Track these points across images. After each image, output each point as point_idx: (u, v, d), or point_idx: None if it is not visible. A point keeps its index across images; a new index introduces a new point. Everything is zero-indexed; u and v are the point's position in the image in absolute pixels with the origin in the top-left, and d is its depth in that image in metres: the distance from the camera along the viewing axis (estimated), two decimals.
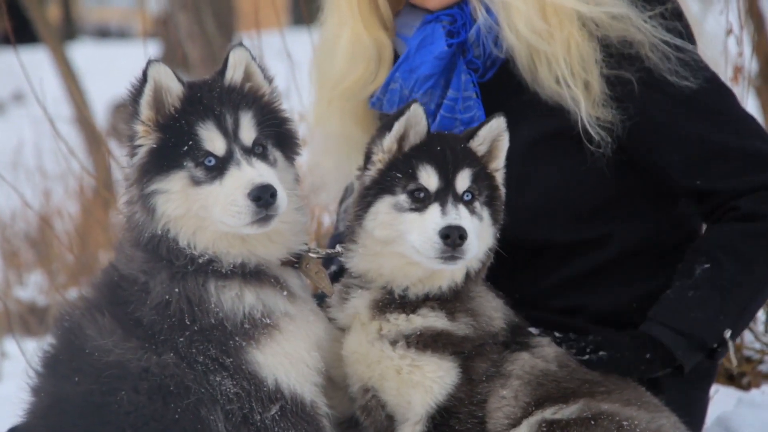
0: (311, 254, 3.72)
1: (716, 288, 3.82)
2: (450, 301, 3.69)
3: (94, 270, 7.86)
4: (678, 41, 3.92)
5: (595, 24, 3.90)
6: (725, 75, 5.41)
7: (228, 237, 3.53)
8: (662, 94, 3.90)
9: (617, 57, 3.90)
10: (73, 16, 33.14)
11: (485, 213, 3.65)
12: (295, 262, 3.68)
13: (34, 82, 5.98)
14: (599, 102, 3.88)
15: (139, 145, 3.53)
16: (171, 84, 3.52)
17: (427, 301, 3.69)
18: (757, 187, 3.87)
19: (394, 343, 3.66)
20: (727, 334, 3.80)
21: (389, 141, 3.67)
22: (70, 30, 31.06)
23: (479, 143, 3.69)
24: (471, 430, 3.64)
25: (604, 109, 3.88)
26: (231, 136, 3.49)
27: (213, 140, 3.48)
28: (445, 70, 4.05)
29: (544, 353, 3.76)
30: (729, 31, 5.41)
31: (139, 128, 3.52)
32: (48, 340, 3.65)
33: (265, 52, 6.57)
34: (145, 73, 3.50)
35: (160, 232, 3.52)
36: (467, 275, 3.69)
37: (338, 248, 3.80)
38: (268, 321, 3.53)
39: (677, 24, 3.98)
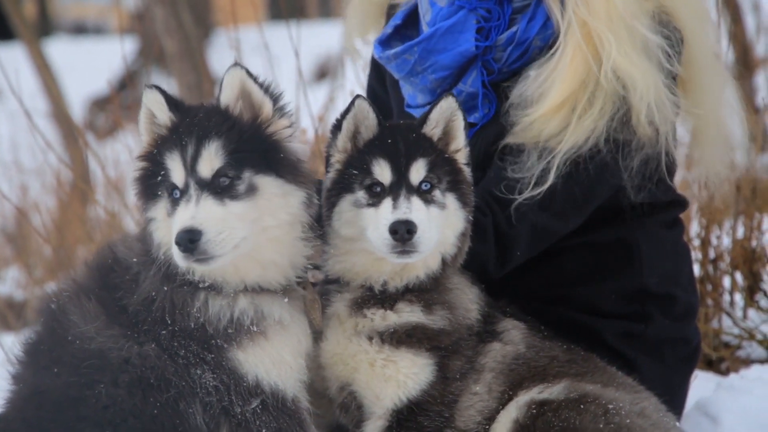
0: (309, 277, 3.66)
1: None
2: (428, 291, 3.67)
3: (72, 264, 7.83)
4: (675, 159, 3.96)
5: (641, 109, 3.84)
6: None
7: (220, 267, 3.47)
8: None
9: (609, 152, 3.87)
10: (49, 13, 33.00)
11: (450, 199, 3.63)
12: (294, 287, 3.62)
13: (11, 78, 5.96)
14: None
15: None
16: (158, 113, 3.51)
17: (406, 293, 3.67)
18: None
19: (369, 338, 3.65)
20: None
21: (342, 140, 3.68)
22: (46, 26, 30.93)
23: (432, 126, 3.66)
24: (437, 429, 3.63)
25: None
26: (188, 168, 3.43)
27: (175, 172, 3.44)
28: (463, 64, 4.00)
29: (512, 337, 3.77)
30: None
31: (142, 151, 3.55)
32: (32, 327, 3.63)
33: (242, 47, 6.57)
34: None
35: (162, 257, 3.48)
36: (443, 261, 3.68)
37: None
38: (256, 329, 3.49)
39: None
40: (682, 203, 4.23)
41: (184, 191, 3.42)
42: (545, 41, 3.95)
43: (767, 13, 9.49)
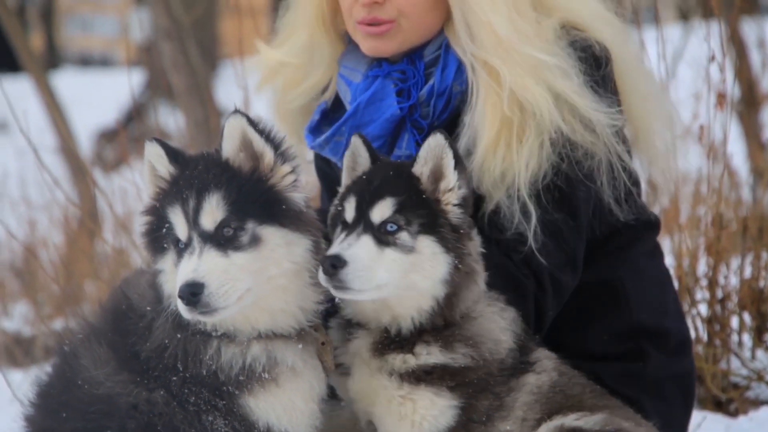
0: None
1: None
2: (448, 327, 3.58)
3: (79, 300, 7.84)
4: (634, 169, 3.96)
5: (568, 123, 3.83)
6: (708, 101, 5.48)
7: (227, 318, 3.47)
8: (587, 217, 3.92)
9: (571, 164, 3.86)
10: (56, 44, 33.15)
11: (423, 242, 3.51)
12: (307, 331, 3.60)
13: (18, 112, 5.96)
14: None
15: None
16: (159, 167, 3.52)
17: (423, 334, 3.58)
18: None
19: (390, 374, 3.57)
20: None
21: (344, 176, 3.69)
22: (53, 58, 31.07)
23: (422, 164, 3.57)
24: None
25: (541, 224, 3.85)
26: (191, 222, 3.42)
27: (178, 226, 3.44)
28: (393, 130, 4.00)
29: (545, 366, 3.68)
30: (712, 58, 5.45)
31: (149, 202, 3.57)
32: (45, 367, 3.65)
33: (248, 80, 6.60)
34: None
35: (173, 307, 3.47)
36: (438, 302, 3.55)
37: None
38: (267, 376, 3.48)
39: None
40: (655, 225, 4.21)
41: (188, 244, 3.43)
42: (463, 84, 3.96)
43: None
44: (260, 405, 3.47)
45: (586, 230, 3.95)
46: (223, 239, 3.41)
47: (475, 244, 3.64)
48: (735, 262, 5.49)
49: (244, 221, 3.43)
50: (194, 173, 3.48)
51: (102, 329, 3.56)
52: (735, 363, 5.38)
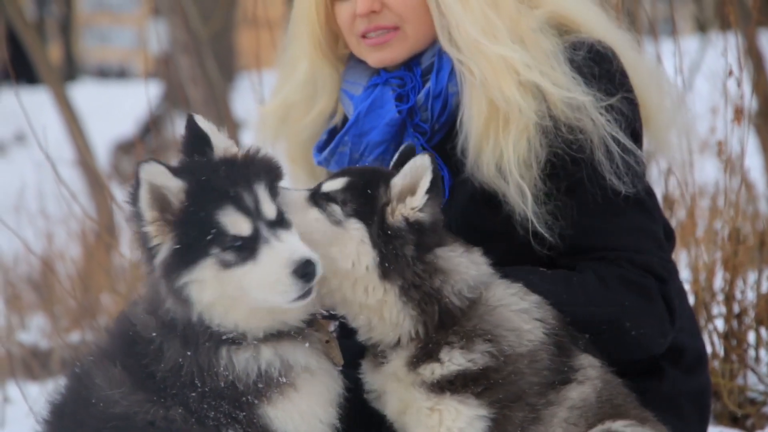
0: (321, 318, 3.67)
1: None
2: (468, 319, 3.54)
3: (96, 313, 7.86)
4: (628, 143, 3.90)
5: (549, 108, 3.85)
6: (725, 116, 5.46)
7: (260, 312, 3.48)
8: (594, 194, 3.88)
9: (561, 144, 3.86)
10: (74, 56, 33.31)
11: (354, 225, 3.55)
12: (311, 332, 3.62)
13: (36, 125, 5.98)
14: (540, 196, 3.86)
15: (156, 245, 3.46)
16: (168, 183, 3.45)
17: (448, 334, 3.54)
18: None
19: (421, 386, 3.54)
20: None
21: None
22: (71, 70, 31.24)
23: (402, 177, 3.60)
24: None
25: (545, 204, 3.86)
26: (254, 213, 3.44)
27: (237, 223, 3.43)
28: (396, 135, 4.04)
29: (588, 374, 3.61)
30: (729, 72, 5.44)
31: (151, 229, 3.46)
32: (58, 386, 3.64)
33: (266, 92, 6.62)
34: (137, 177, 3.44)
35: (195, 319, 3.48)
36: (395, 294, 3.56)
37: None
38: (284, 380, 3.49)
39: (632, 120, 3.96)
40: (669, 238, 4.17)
41: (255, 236, 3.43)
42: (457, 86, 4.00)
43: None
44: (279, 415, 3.48)
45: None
46: (280, 221, 3.49)
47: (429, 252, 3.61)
48: (752, 277, 5.47)
49: (276, 198, 3.54)
50: (225, 172, 3.49)
51: (113, 353, 3.57)
52: (752, 379, 5.35)
